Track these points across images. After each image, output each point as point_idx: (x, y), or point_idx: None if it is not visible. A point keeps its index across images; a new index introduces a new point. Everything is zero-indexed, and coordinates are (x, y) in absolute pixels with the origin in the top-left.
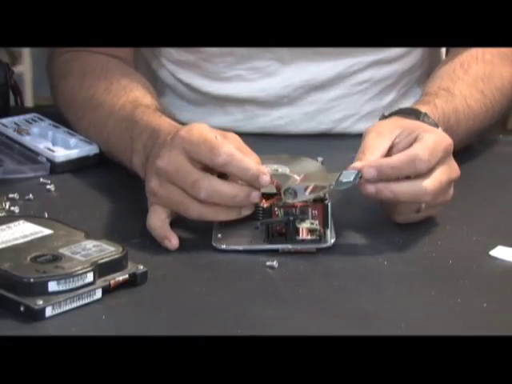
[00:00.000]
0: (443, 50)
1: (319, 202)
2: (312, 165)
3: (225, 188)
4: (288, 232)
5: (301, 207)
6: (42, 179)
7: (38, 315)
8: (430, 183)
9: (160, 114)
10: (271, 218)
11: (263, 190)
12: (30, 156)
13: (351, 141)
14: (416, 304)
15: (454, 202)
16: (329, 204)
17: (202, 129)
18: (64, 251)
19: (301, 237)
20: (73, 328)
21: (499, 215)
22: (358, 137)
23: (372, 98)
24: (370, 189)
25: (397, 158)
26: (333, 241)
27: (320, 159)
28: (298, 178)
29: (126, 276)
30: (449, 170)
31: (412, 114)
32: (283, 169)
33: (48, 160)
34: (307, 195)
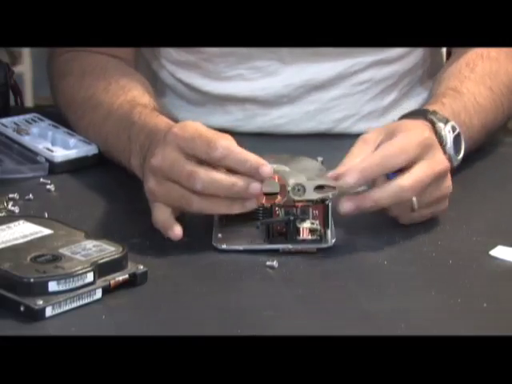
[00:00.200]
0: (444, 49)
1: (320, 202)
2: (312, 165)
3: (221, 178)
4: (288, 232)
5: (301, 207)
6: (42, 179)
7: (37, 315)
8: (405, 180)
9: (157, 113)
10: (272, 218)
11: (265, 190)
12: (28, 156)
13: (351, 141)
14: (416, 304)
15: (454, 202)
16: (329, 204)
17: (196, 125)
18: (64, 251)
19: (301, 237)
20: (73, 328)
21: (499, 215)
22: (359, 137)
23: (373, 98)
24: (349, 206)
25: (367, 159)
26: (333, 241)
27: (320, 159)
28: (299, 175)
29: (126, 276)
30: (430, 165)
31: (420, 114)
32: (283, 168)
33: (47, 160)
34: (315, 194)
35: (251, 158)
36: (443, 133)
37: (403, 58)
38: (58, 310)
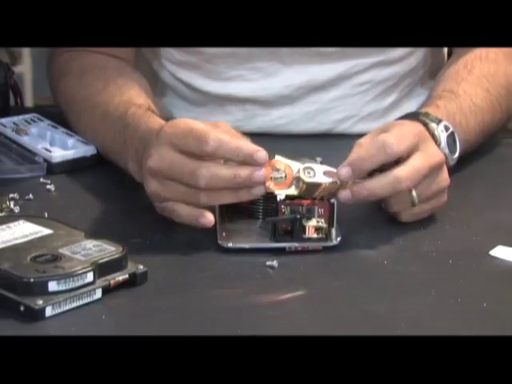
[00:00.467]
0: (445, 49)
1: (325, 200)
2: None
3: (223, 170)
4: (295, 230)
5: (307, 205)
6: (42, 179)
7: (38, 315)
8: (401, 170)
9: (150, 113)
10: (277, 216)
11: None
12: (27, 156)
13: (351, 141)
14: (416, 304)
15: (454, 202)
16: (335, 203)
17: (187, 121)
18: (64, 251)
19: (307, 235)
20: (73, 328)
21: (499, 215)
22: (358, 137)
23: (373, 99)
24: (346, 194)
25: (364, 149)
26: (339, 239)
27: (319, 159)
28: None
29: (126, 276)
30: (426, 157)
31: (412, 116)
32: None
33: (45, 160)
34: (324, 178)
35: (244, 146)
36: (436, 132)
37: (404, 60)
38: (57, 310)
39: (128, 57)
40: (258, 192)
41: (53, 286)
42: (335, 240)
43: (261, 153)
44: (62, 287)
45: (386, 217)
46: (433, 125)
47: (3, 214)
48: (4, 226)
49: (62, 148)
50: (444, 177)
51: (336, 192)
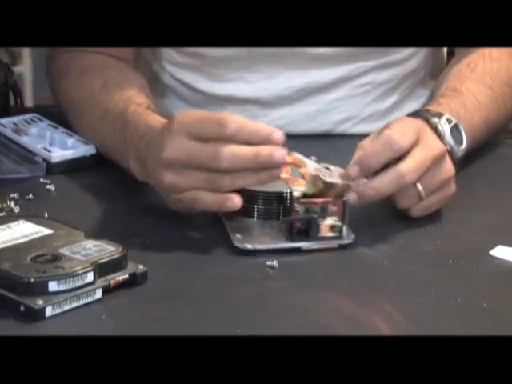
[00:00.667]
0: (445, 50)
1: (338, 198)
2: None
3: (244, 150)
4: (311, 229)
5: (321, 204)
6: (42, 179)
7: (38, 315)
8: (403, 165)
9: (150, 111)
10: (292, 216)
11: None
12: (26, 156)
13: (352, 141)
14: (416, 304)
15: (454, 202)
16: (347, 201)
17: (197, 110)
18: (64, 251)
19: (322, 234)
20: (73, 328)
21: (499, 215)
22: (359, 137)
23: (374, 100)
24: (352, 196)
25: (370, 146)
26: (352, 237)
27: (314, 158)
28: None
29: (126, 276)
30: (426, 149)
31: (414, 114)
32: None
33: (44, 160)
34: (339, 179)
35: (262, 127)
36: (439, 126)
37: (405, 62)
38: (57, 310)
39: (128, 57)
40: (275, 173)
41: (53, 286)
42: (350, 238)
43: (278, 133)
44: (62, 287)
45: (386, 217)
46: (434, 119)
47: (3, 213)
48: (4, 226)
49: (61, 148)
50: (448, 167)
51: (343, 193)
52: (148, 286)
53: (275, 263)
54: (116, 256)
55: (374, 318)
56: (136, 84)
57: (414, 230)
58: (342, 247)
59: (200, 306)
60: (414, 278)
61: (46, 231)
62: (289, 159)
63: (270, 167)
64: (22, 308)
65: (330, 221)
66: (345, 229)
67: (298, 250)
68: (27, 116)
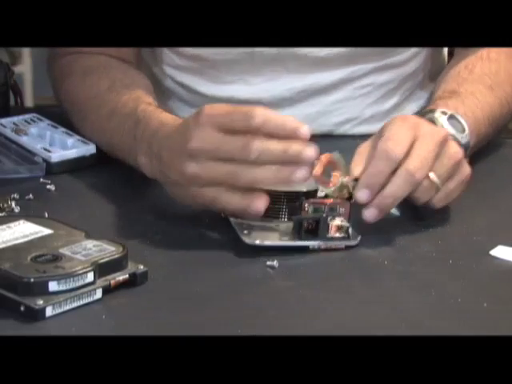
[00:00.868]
0: (445, 52)
1: (346, 199)
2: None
3: (274, 144)
4: (319, 229)
5: (330, 204)
6: (42, 179)
7: (38, 315)
8: (409, 163)
9: (161, 110)
10: (302, 215)
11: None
12: (26, 156)
13: (353, 141)
14: (416, 304)
15: (455, 202)
16: (352, 202)
17: (223, 104)
18: (64, 251)
19: (331, 234)
20: (73, 328)
21: (499, 215)
22: (360, 138)
23: (375, 102)
24: (372, 212)
25: (371, 166)
26: (359, 238)
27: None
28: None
29: (126, 276)
30: (427, 138)
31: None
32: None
33: (44, 160)
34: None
35: (288, 121)
36: (434, 119)
37: (405, 64)
38: (58, 310)
39: (130, 59)
40: (299, 174)
41: (53, 286)
42: (357, 239)
43: (305, 128)
44: (63, 287)
45: (386, 217)
46: (429, 115)
47: (4, 213)
48: (4, 226)
49: (61, 148)
50: (454, 150)
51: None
52: (148, 286)
53: (275, 263)
54: (116, 256)
55: (374, 318)
56: (143, 84)
57: (414, 230)
58: (325, 250)
59: (200, 306)
60: (414, 277)
61: (46, 231)
62: (324, 159)
63: (298, 164)
64: (22, 308)
65: (338, 221)
66: (350, 230)
67: (305, 250)
68: (27, 116)
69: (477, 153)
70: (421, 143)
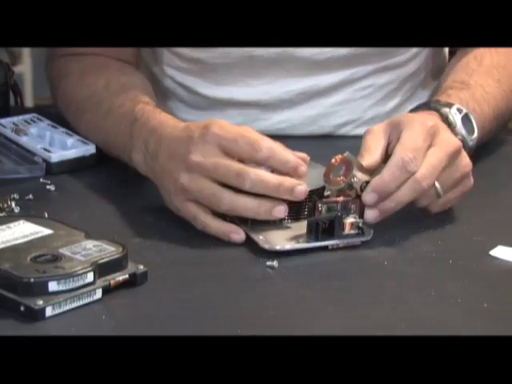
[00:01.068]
0: (446, 51)
1: (356, 196)
2: (314, 167)
3: (270, 177)
4: (335, 228)
5: (342, 202)
6: (42, 179)
7: (38, 315)
8: (419, 172)
9: (160, 110)
10: (316, 216)
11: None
12: (26, 156)
13: (354, 142)
14: (416, 304)
15: (454, 203)
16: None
17: (234, 126)
18: (64, 251)
19: (346, 232)
20: (73, 328)
21: (499, 215)
22: (361, 139)
23: (376, 103)
24: (373, 214)
25: (387, 173)
26: (372, 233)
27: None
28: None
29: (126, 276)
30: (440, 149)
31: (423, 106)
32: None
33: (44, 160)
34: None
35: (291, 158)
36: (450, 116)
37: (405, 65)
38: (57, 310)
39: (129, 59)
40: (277, 214)
41: (53, 286)
42: (371, 234)
43: (303, 167)
44: (62, 287)
45: (386, 217)
46: (445, 109)
47: (3, 214)
48: (4, 226)
49: (61, 148)
50: (465, 162)
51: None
52: (148, 286)
53: (275, 263)
54: (116, 256)
55: (374, 318)
56: (140, 84)
57: (414, 230)
58: (343, 247)
59: (200, 305)
60: (414, 277)
61: (46, 231)
62: (339, 159)
63: (283, 199)
64: (22, 308)
65: (352, 219)
66: (363, 226)
67: (324, 249)
68: (27, 116)
69: (478, 151)
70: (434, 152)
